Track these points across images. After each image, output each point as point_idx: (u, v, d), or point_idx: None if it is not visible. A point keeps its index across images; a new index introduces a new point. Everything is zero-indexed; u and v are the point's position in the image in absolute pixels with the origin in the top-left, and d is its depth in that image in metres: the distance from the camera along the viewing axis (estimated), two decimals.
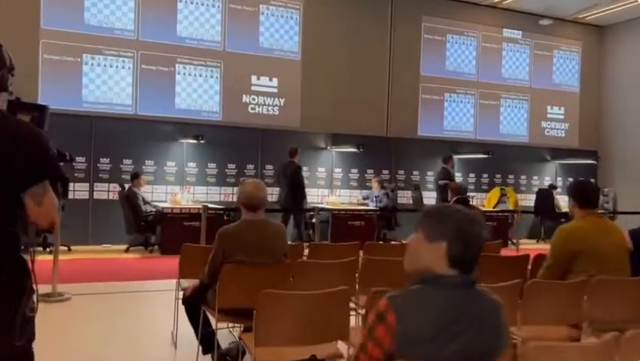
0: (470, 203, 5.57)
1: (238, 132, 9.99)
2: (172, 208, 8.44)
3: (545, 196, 11.45)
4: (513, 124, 12.85)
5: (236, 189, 9.54)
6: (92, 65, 9.50)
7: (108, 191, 9.12)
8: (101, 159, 9.16)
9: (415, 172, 11.23)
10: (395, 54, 11.54)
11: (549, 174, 12.42)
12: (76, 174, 8.93)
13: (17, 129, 1.78)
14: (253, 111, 10.54)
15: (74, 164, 8.52)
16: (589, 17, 13.10)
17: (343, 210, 9.41)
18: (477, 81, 12.44)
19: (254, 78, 10.57)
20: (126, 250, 8.53)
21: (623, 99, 13.16)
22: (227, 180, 9.89)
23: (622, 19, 13.20)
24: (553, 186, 11.51)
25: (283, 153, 9.78)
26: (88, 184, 9.02)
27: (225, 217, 8.61)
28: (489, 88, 12.53)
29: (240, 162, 9.94)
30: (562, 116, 13.38)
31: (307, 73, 10.82)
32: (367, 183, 10.79)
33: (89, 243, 8.81)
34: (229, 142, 9.87)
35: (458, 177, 11.49)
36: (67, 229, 7.20)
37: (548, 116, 13.21)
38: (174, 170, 9.62)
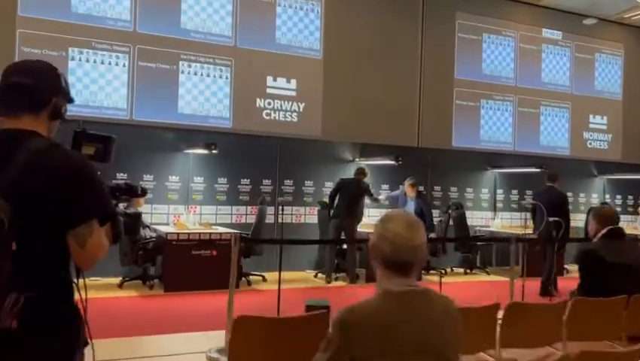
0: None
1: (252, 142, 8.48)
2: (178, 233, 6.86)
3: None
4: (554, 134, 11.50)
5: (250, 208, 8.05)
6: (79, 60, 7.96)
7: None
8: None
9: (452, 189, 9.78)
10: (427, 53, 10.15)
11: (596, 191, 11.06)
12: None
13: (61, 162, 1.58)
14: (268, 117, 9.04)
15: None
16: (634, 17, 11.87)
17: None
18: (515, 86, 11.09)
19: (269, 79, 9.09)
20: (120, 285, 6.94)
21: None
22: (240, 197, 8.35)
23: None
24: (606, 204, 10.12)
25: (304, 166, 8.34)
26: None
27: (242, 244, 7.07)
28: (528, 94, 11.19)
29: (255, 177, 8.42)
30: (604, 127, 12.06)
31: (330, 74, 9.37)
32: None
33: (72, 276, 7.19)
34: (241, 153, 8.36)
35: (500, 195, 10.07)
36: None
37: (590, 126, 11.90)
38: (177, 186, 8.06)
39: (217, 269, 6.63)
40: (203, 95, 8.67)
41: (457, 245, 8.98)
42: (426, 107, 10.15)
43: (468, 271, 9.03)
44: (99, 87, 8.05)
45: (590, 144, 11.87)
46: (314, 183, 8.72)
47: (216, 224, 7.87)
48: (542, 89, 11.34)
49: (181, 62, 8.54)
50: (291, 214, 8.58)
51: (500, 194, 10.09)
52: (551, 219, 6.81)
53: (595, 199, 10.96)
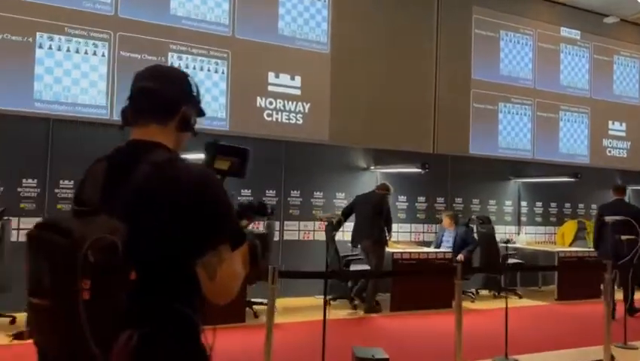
0: None
1: (252, 146, 7.26)
2: None
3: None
4: (573, 141, 10.63)
5: (253, 224, 6.82)
6: (49, 48, 6.69)
7: None
8: (61, 182, 6.30)
9: (474, 200, 8.76)
10: (442, 48, 9.16)
11: None
12: (23, 204, 6.06)
13: (184, 178, 1.37)
14: (270, 119, 7.88)
15: (18, 189, 5.67)
16: None
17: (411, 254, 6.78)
18: (534, 89, 10.19)
19: (271, 75, 7.95)
20: None
21: None
22: None
23: None
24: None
25: (312, 174, 7.21)
26: (41, 219, 6.12)
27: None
28: (547, 97, 10.31)
29: (256, 187, 7.21)
30: (623, 133, 11.27)
31: (338, 71, 8.29)
32: (418, 215, 8.24)
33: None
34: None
35: (524, 207, 9.11)
36: (8, 288, 4.85)
37: (610, 133, 11.09)
38: None
39: None
40: None
41: (483, 266, 7.94)
42: (442, 110, 9.15)
43: (496, 293, 7.98)
44: (72, 80, 6.78)
45: (610, 151, 11.06)
46: (324, 194, 7.58)
47: None
48: (561, 93, 10.48)
49: (170, 54, 7.33)
50: (298, 230, 7.42)
51: (524, 206, 9.12)
52: (624, 237, 5.80)
53: None
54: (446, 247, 7.48)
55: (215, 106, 7.58)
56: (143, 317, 1.28)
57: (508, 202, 9.05)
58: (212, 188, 1.42)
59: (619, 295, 7.24)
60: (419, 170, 7.02)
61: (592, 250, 8.22)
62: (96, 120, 6.72)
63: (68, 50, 6.77)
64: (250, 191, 7.15)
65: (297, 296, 7.15)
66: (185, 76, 1.56)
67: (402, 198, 8.12)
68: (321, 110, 8.23)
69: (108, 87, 6.91)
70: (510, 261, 7.95)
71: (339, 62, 8.33)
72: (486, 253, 7.82)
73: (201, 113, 1.60)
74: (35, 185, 6.19)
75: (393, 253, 6.60)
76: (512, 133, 9.94)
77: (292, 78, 8.10)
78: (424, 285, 6.54)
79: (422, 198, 8.24)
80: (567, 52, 10.65)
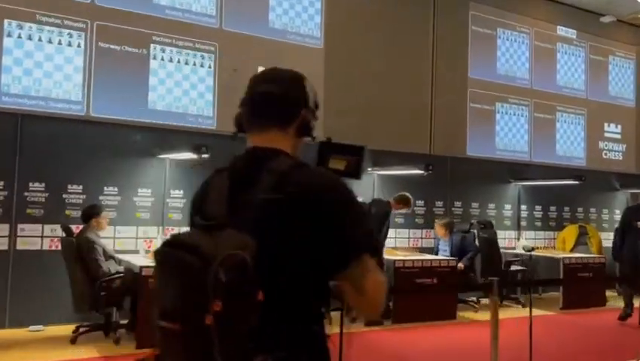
0: None
1: (242, 146, 6.75)
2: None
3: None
4: (569, 143, 10.33)
5: None
6: (18, 37, 6.07)
7: (42, 237, 5.64)
8: (30, 185, 5.68)
9: (474, 204, 8.35)
10: (439, 48, 8.77)
11: (619, 207, 9.90)
12: None
13: (314, 185, 1.27)
14: None
15: None
16: None
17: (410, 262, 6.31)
18: (531, 89, 9.87)
19: (261, 70, 7.42)
20: (73, 341, 5.05)
21: None
22: None
23: None
24: None
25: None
26: (8, 226, 5.51)
27: None
28: (544, 98, 10.00)
29: None
30: (619, 136, 11.03)
31: (332, 67, 7.81)
32: (416, 220, 7.80)
33: (7, 325, 5.28)
34: (229, 161, 6.61)
35: (524, 211, 8.75)
36: None
37: (605, 135, 10.83)
38: (149, 202, 6.24)
39: None
40: (180, 88, 6.91)
41: (483, 272, 7.53)
42: (439, 110, 8.74)
43: (499, 302, 7.56)
44: (44, 73, 6.17)
45: (605, 154, 10.79)
46: None
47: None
48: (558, 93, 10.19)
49: (152, 46, 6.76)
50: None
51: (524, 210, 8.76)
52: None
53: (618, 216, 9.80)
54: (443, 256, 7.05)
55: (201, 103, 7.03)
56: (275, 340, 1.20)
57: (508, 206, 8.67)
58: (346, 194, 1.30)
59: (620, 303, 6.92)
60: (422, 172, 6.56)
61: (597, 256, 7.90)
62: (70, 117, 6.12)
63: (39, 40, 6.16)
64: None
65: None
66: (303, 79, 1.47)
67: None
68: None
69: (85, 81, 6.31)
70: (513, 268, 7.57)
71: (333, 58, 7.86)
72: (487, 259, 7.41)
73: (315, 116, 1.48)
74: (1, 187, 5.56)
75: (395, 260, 6.13)
76: (509, 134, 9.59)
77: None
78: (427, 295, 6.11)
79: (420, 203, 7.79)
80: (563, 51, 10.36)
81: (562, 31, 10.34)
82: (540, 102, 9.94)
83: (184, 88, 6.94)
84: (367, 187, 7.38)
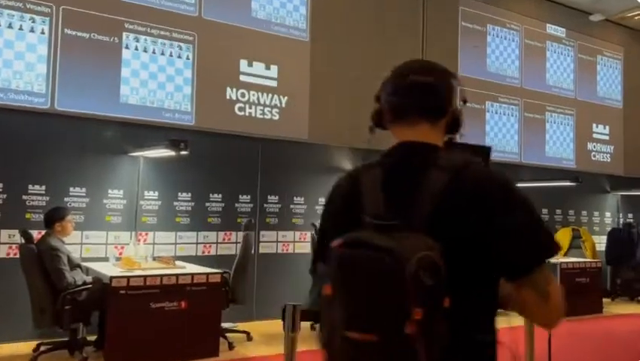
0: None
1: (222, 144, 6.26)
2: (129, 277, 4.47)
3: (622, 239, 8.63)
4: (559, 144, 10.08)
5: (223, 235, 5.85)
6: None
7: None
8: None
9: None
10: (429, 44, 8.39)
11: (610, 209, 9.67)
12: None
13: (493, 185, 1.18)
14: (242, 113, 6.86)
15: None
16: (637, 17, 10.78)
17: None
18: (521, 87, 9.58)
19: (243, 64, 6.93)
20: (34, 360, 4.48)
21: None
22: (209, 220, 6.06)
23: None
24: (631, 225, 8.73)
25: (292, 177, 6.28)
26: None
27: (224, 289, 4.89)
28: (534, 97, 9.73)
29: (228, 192, 6.17)
30: (607, 137, 10.83)
31: (318, 61, 7.36)
32: None
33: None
34: (209, 160, 6.10)
35: None
36: None
37: (594, 136, 10.61)
38: (121, 204, 5.67)
39: (189, 330, 4.39)
40: (156, 80, 6.36)
41: None
42: None
43: None
44: (3, 62, 5.57)
45: (594, 155, 10.57)
46: (305, 199, 6.61)
47: (178, 257, 5.57)
48: (548, 93, 9.93)
49: (125, 34, 6.21)
50: (276, 241, 6.41)
51: None
52: None
53: (608, 218, 9.58)
54: None
55: (179, 97, 6.49)
56: (456, 351, 1.07)
57: None
58: (523, 195, 1.20)
59: (616, 310, 6.61)
60: None
61: (594, 260, 7.61)
62: (32, 110, 5.52)
63: None
64: (221, 196, 6.10)
65: (275, 318, 6.15)
66: (452, 73, 1.37)
67: None
68: (299, 105, 7.27)
69: (49, 71, 5.73)
70: None
71: (320, 52, 7.41)
72: None
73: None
74: None
75: None
76: (499, 135, 9.28)
77: (267, 68, 7.11)
78: None
79: None
80: (553, 50, 10.11)
81: (551, 29, 10.09)
82: (530, 102, 9.67)
83: (160, 81, 6.39)
84: None
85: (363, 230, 1.12)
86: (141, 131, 5.78)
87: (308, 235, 6.42)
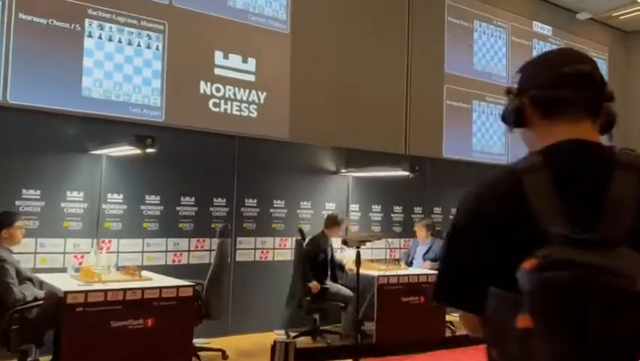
0: None
1: (195, 143, 5.73)
2: (87, 292, 3.90)
3: None
4: None
5: (195, 242, 5.34)
6: None
7: None
8: None
9: (454, 210, 7.55)
10: (415, 41, 8.01)
11: None
12: None
13: None
14: (217, 110, 6.34)
15: None
16: (622, 17, 10.60)
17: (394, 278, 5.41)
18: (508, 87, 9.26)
19: (218, 56, 6.42)
20: None
21: None
22: (180, 225, 5.51)
23: None
24: None
25: (272, 178, 5.79)
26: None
27: (197, 303, 4.38)
28: None
29: (201, 195, 5.63)
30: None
31: (299, 54, 6.90)
32: (394, 228, 6.96)
33: None
34: (180, 160, 5.56)
35: None
36: None
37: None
38: (81, 208, 5.09)
39: (156, 351, 3.87)
40: (122, 72, 5.81)
41: None
42: (414, 106, 7.98)
43: None
44: None
45: None
46: (286, 203, 6.11)
47: (145, 267, 5.02)
48: None
49: (87, 21, 5.64)
50: (254, 248, 5.90)
51: None
52: None
53: None
54: (416, 265, 6.20)
55: (147, 91, 5.94)
56: None
57: None
58: None
59: None
60: (407, 173, 5.70)
61: None
62: None
63: None
64: (193, 199, 5.57)
65: (253, 332, 5.66)
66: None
67: (376, 207, 6.80)
68: (279, 102, 6.78)
69: (0, 60, 5.13)
70: None
71: (301, 45, 6.94)
72: None
73: None
74: None
75: (379, 277, 5.23)
76: (486, 135, 8.94)
77: (244, 60, 6.60)
78: (414, 320, 5.25)
79: (398, 208, 6.95)
80: (539, 49, 9.82)
81: (537, 27, 9.82)
82: None
83: (127, 73, 5.83)
84: (340, 191, 6.48)
85: (555, 246, 0.93)
86: (105, 128, 5.21)
87: (289, 242, 5.93)
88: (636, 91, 11.13)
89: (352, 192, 6.52)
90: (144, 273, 4.63)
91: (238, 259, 5.75)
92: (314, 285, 5.26)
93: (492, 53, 9.14)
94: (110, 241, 5.12)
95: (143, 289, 4.03)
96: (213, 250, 5.50)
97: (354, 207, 6.55)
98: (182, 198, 5.51)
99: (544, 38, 9.92)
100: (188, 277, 4.60)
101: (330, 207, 6.39)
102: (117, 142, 4.45)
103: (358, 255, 4.22)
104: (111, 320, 3.88)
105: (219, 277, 4.66)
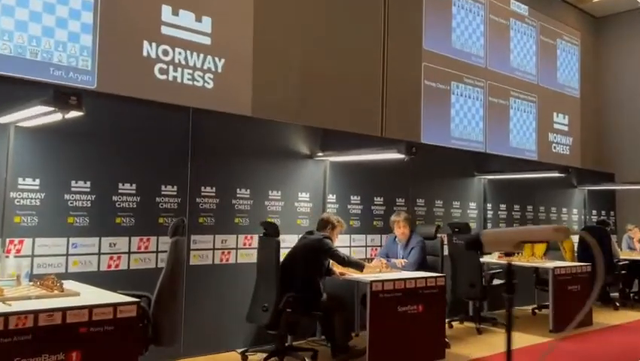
0: None
1: (137, 116, 4.48)
2: None
3: (597, 238, 7.71)
4: (522, 134, 9.14)
5: (138, 240, 4.14)
6: None
7: None
8: None
9: (438, 202, 6.68)
10: (392, 16, 7.08)
11: (577, 205, 8.81)
12: None
13: None
14: (164, 77, 5.13)
15: None
16: (594, 1, 10.13)
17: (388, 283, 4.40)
18: (486, 68, 8.53)
19: (166, 11, 5.22)
20: None
21: (626, 110, 10.36)
22: (118, 220, 4.26)
23: (619, 10, 10.51)
24: (605, 223, 7.83)
25: (234, 163, 4.70)
26: None
27: (142, 324, 3.21)
28: (499, 80, 8.73)
29: (144, 181, 4.40)
30: (566, 128, 10.08)
31: (264, 17, 5.80)
32: (375, 223, 5.97)
33: None
34: (118, 137, 4.31)
35: (489, 210, 7.30)
36: None
37: (554, 126, 9.81)
38: None
39: None
40: (40, 24, 4.50)
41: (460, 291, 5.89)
42: (390, 84, 7.05)
43: (478, 326, 5.97)
44: None
45: (555, 147, 9.77)
46: (251, 192, 4.98)
47: (67, 274, 3.77)
48: (512, 76, 8.98)
49: None
50: (212, 249, 4.73)
51: (489, 209, 7.27)
52: None
53: (575, 215, 8.71)
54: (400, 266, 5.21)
55: (74, 49, 4.66)
56: None
57: (472, 204, 7.12)
58: None
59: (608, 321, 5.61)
60: (402, 156, 4.69)
61: (583, 264, 6.57)
62: None
63: None
64: (135, 187, 4.34)
65: (209, 354, 4.52)
66: None
67: (355, 198, 5.78)
68: (240, 71, 5.66)
69: None
70: (496, 282, 6.01)
71: (267, 6, 5.84)
72: (464, 273, 5.77)
73: None
74: None
75: (372, 282, 4.21)
76: (464, 120, 8.14)
77: (198, 19, 5.42)
78: (410, 330, 4.30)
79: (379, 200, 5.97)
80: (517, 29, 9.17)
81: (514, 5, 9.14)
82: (496, 85, 8.63)
83: (47, 25, 4.54)
84: (315, 178, 5.43)
85: None
86: (15, 93, 3.90)
87: (255, 239, 4.81)
88: (606, 77, 10.73)
89: (328, 178, 5.47)
90: (69, 285, 3.40)
91: (192, 262, 4.58)
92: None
93: (471, 30, 8.36)
94: (21, 241, 3.82)
95: (64, 311, 2.81)
96: (161, 251, 4.32)
97: (331, 197, 5.51)
98: (120, 185, 4.27)
99: (521, 18, 9.25)
100: (129, 288, 3.42)
101: (303, 197, 5.31)
102: (27, 104, 3.19)
103: None
104: (15, 357, 2.65)
105: (173, 287, 3.48)
